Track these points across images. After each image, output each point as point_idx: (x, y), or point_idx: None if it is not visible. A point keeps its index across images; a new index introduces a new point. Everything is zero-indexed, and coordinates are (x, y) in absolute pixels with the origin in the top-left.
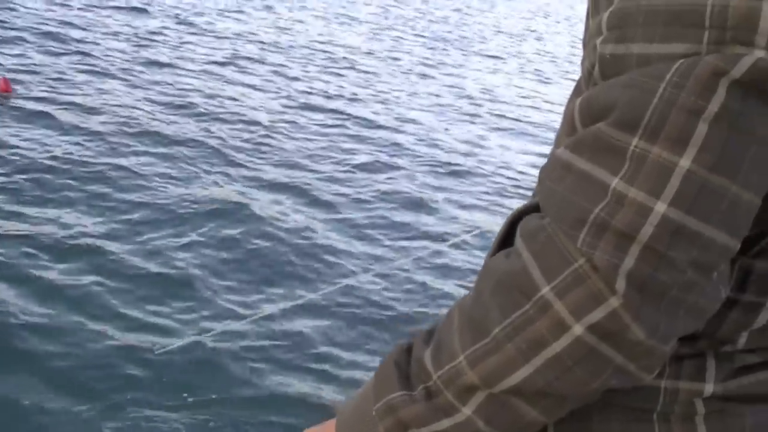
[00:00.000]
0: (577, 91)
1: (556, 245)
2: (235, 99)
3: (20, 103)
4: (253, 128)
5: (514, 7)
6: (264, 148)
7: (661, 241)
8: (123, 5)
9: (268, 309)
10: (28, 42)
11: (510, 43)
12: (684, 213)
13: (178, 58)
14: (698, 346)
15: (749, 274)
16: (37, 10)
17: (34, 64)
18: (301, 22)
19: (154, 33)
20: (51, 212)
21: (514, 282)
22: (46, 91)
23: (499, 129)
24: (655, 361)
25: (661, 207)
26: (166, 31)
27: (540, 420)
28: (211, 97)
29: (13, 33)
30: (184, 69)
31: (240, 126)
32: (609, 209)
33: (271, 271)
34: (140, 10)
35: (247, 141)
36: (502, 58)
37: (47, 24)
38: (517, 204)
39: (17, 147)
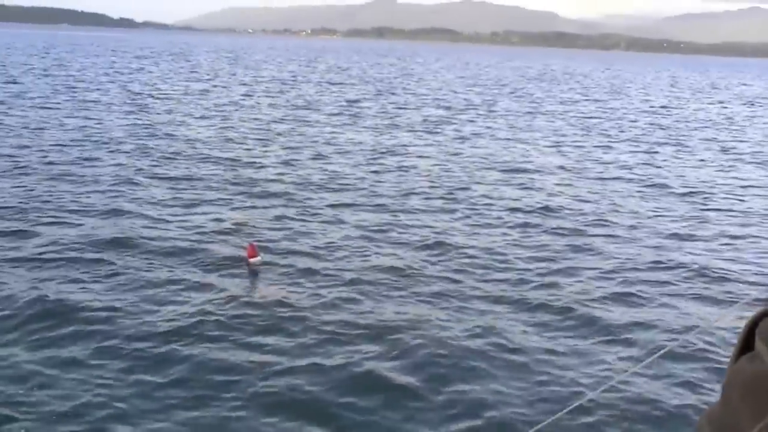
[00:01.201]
0: None
1: None
2: None
3: (266, 267)
4: None
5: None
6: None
7: None
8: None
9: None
10: (275, 209)
11: (714, 134)
12: None
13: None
14: None
15: None
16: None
17: (280, 231)
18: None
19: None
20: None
21: (762, 385)
22: (289, 256)
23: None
24: None
25: None
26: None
27: None
28: None
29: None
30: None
31: None
32: None
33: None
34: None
35: None
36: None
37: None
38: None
39: (263, 306)
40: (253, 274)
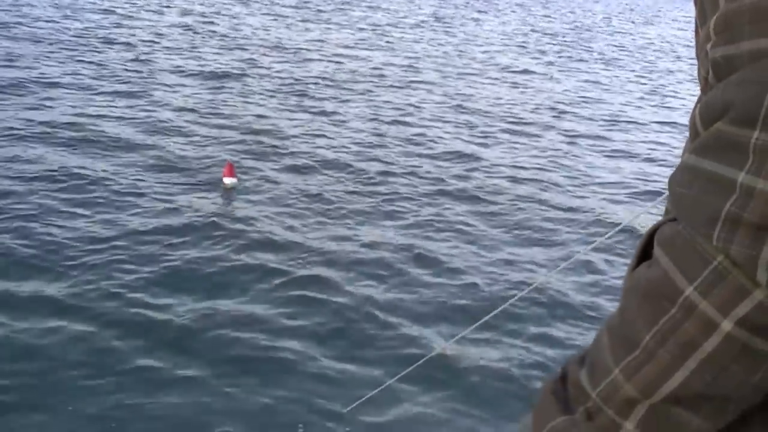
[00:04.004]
0: (699, 102)
1: (693, 247)
2: None
3: (244, 188)
4: None
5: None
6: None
7: None
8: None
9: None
10: (249, 133)
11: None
12: None
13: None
14: None
15: None
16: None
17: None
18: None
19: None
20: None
21: (657, 289)
22: (268, 177)
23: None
24: None
25: None
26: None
27: (705, 427)
28: None
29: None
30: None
31: None
32: (740, 203)
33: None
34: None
35: None
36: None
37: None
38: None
39: (243, 229)
40: (227, 196)
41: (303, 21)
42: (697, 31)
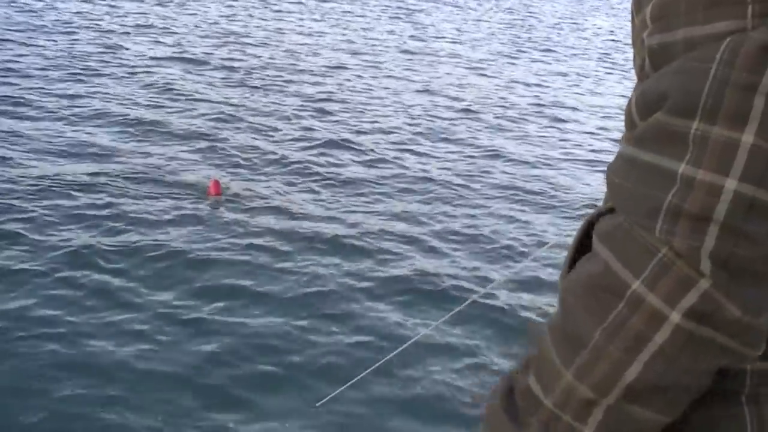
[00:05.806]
0: (635, 91)
1: (635, 239)
2: None
3: (230, 206)
4: None
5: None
6: None
7: (737, 217)
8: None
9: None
10: (238, 145)
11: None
12: (755, 186)
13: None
14: None
15: None
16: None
17: (245, 167)
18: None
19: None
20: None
21: (600, 284)
22: (255, 195)
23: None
24: (756, 336)
25: (731, 184)
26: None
27: (662, 420)
28: None
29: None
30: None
31: None
32: (680, 194)
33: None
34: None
35: None
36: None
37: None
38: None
39: (225, 249)
40: (214, 211)
41: (254, 8)
42: (633, 20)
